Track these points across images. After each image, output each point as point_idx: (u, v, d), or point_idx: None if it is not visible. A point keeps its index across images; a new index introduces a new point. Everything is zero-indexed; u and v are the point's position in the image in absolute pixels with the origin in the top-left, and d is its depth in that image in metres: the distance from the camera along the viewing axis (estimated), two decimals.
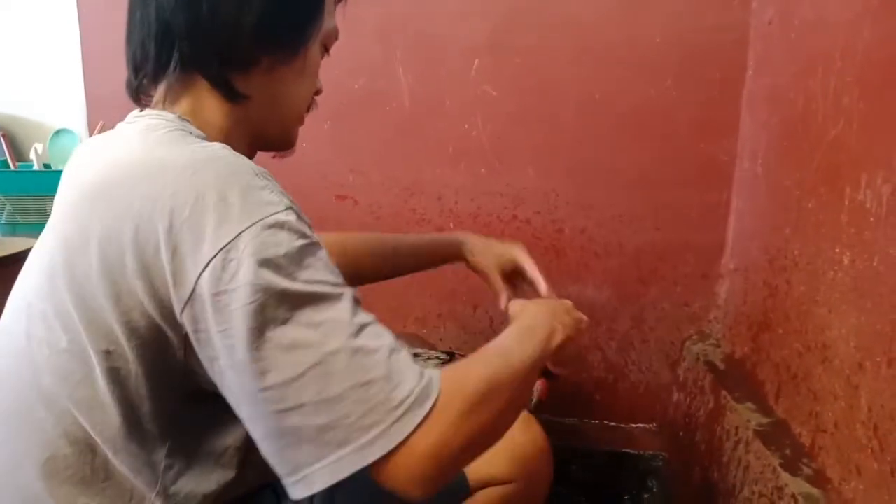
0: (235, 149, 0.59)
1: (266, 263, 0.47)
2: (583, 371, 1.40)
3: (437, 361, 1.08)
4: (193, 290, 0.47)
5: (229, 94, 0.60)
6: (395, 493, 0.48)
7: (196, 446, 0.57)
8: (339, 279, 0.51)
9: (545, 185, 1.34)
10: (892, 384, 0.68)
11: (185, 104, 0.60)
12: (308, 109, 0.69)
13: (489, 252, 1.01)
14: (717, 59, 1.23)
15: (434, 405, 0.48)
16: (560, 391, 1.38)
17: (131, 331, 0.51)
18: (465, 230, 1.37)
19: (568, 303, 0.76)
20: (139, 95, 0.63)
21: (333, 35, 0.68)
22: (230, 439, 0.57)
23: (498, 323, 1.42)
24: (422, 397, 0.48)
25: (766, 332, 1.06)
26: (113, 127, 0.63)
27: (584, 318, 0.75)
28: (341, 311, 0.48)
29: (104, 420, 0.53)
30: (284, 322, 0.47)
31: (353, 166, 1.40)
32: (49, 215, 0.59)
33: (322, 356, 0.46)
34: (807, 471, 0.82)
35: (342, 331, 0.48)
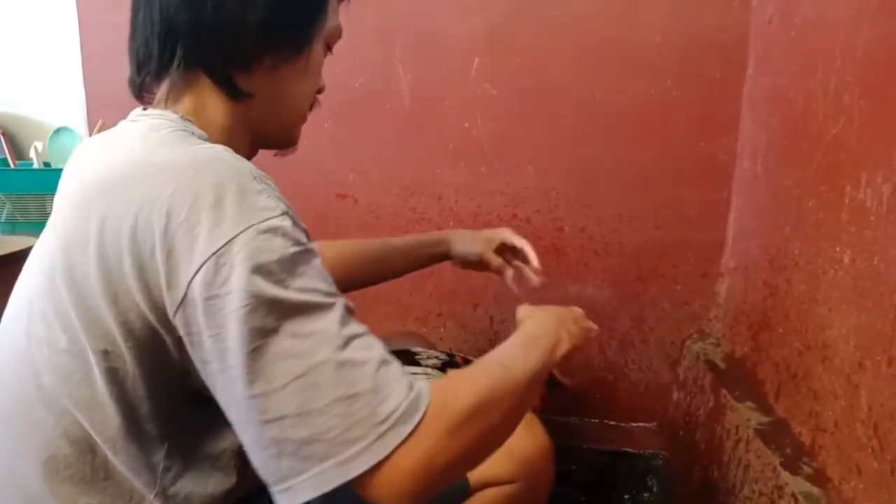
0: (237, 147, 0.59)
1: (258, 269, 0.46)
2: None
3: (435, 361, 1.08)
4: (186, 294, 0.47)
5: (232, 92, 0.60)
6: None
7: (194, 448, 0.56)
8: (332, 288, 0.50)
9: (545, 183, 1.34)
10: (892, 383, 0.68)
11: (187, 102, 0.60)
12: (311, 108, 0.69)
13: (477, 238, 1.03)
14: (717, 58, 1.23)
15: (421, 420, 0.47)
16: (563, 395, 1.38)
17: (128, 332, 0.51)
18: (465, 229, 1.38)
19: (578, 311, 0.74)
20: (142, 93, 0.63)
21: (337, 34, 0.68)
22: (227, 442, 0.57)
23: (498, 322, 1.43)
24: (409, 412, 0.47)
25: (766, 331, 1.06)
26: (113, 125, 0.63)
27: (594, 326, 0.74)
28: (330, 322, 0.48)
29: (104, 420, 0.53)
30: (273, 331, 0.46)
31: (353, 165, 1.40)
32: (49, 214, 0.59)
33: (308, 367, 0.46)
34: (807, 470, 0.82)
35: (329, 342, 0.47)
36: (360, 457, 0.45)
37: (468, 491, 0.79)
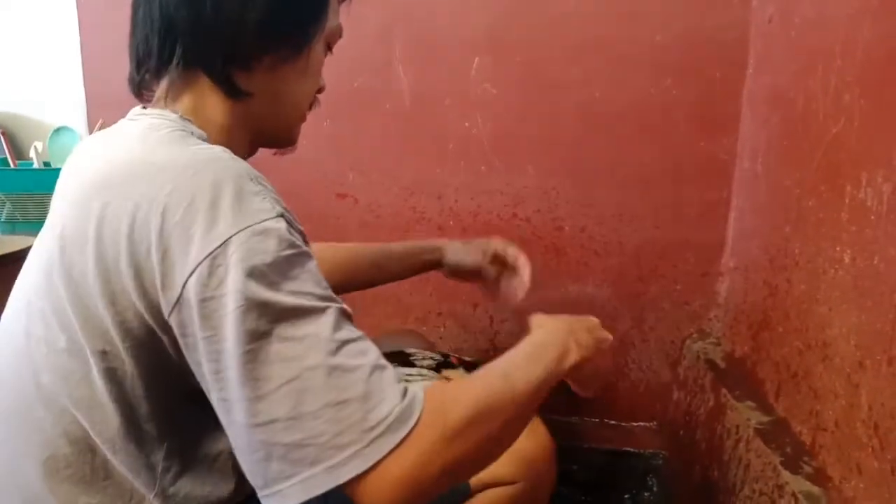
0: (237, 146, 0.59)
1: (252, 271, 0.46)
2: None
3: (430, 361, 1.08)
4: (181, 294, 0.47)
5: (231, 91, 0.60)
6: None
7: (193, 449, 0.56)
8: (327, 292, 0.50)
9: (545, 183, 1.34)
10: (892, 382, 0.68)
11: (186, 100, 0.60)
12: (310, 107, 0.69)
13: (471, 248, 1.02)
14: (717, 58, 1.23)
15: (414, 428, 0.47)
16: (560, 389, 1.38)
17: (126, 331, 0.51)
18: (466, 228, 1.38)
19: (593, 320, 0.72)
20: (141, 91, 0.63)
21: (337, 33, 0.67)
22: (222, 444, 0.57)
23: (498, 321, 1.42)
24: (401, 419, 0.47)
25: (766, 330, 1.06)
26: (113, 125, 0.63)
27: (608, 336, 0.71)
28: (322, 327, 0.47)
29: (103, 420, 0.53)
30: (265, 334, 0.46)
31: (353, 165, 1.39)
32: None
33: (299, 371, 0.46)
34: (807, 469, 0.82)
35: (321, 347, 0.47)
36: (350, 462, 0.45)
37: (469, 492, 0.78)
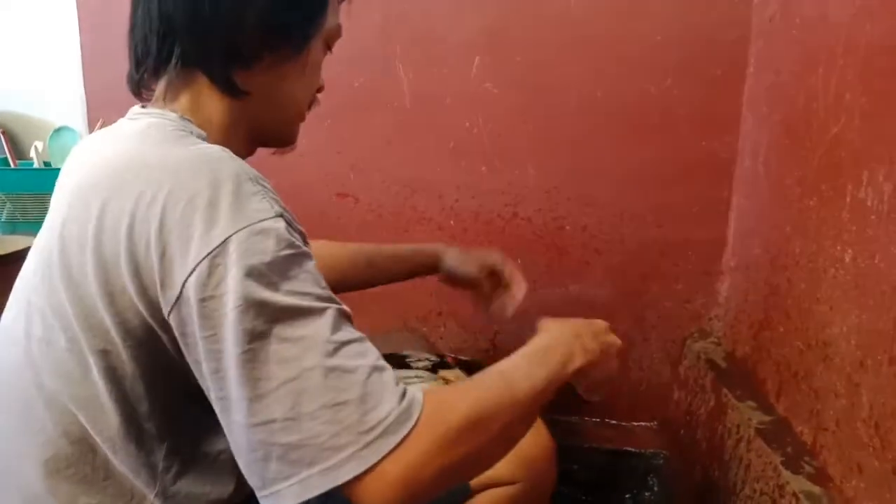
0: (236, 145, 0.59)
1: (250, 271, 0.46)
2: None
3: (426, 363, 1.08)
4: (180, 294, 0.47)
5: (230, 90, 0.60)
6: None
7: (194, 448, 0.56)
8: (327, 293, 0.50)
9: (546, 182, 1.34)
10: (893, 382, 0.68)
11: (185, 100, 0.60)
12: (310, 107, 0.69)
13: (469, 258, 1.02)
14: (718, 57, 1.23)
15: (412, 430, 0.47)
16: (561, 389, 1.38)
17: (126, 331, 0.51)
18: (466, 228, 1.38)
19: (600, 324, 0.71)
20: (140, 89, 0.63)
21: (336, 33, 0.67)
22: (223, 443, 0.57)
23: (498, 322, 1.42)
24: (398, 421, 0.46)
25: (767, 329, 1.05)
26: (113, 124, 0.63)
27: (616, 341, 0.70)
28: (321, 327, 0.47)
29: (103, 420, 0.53)
30: (263, 334, 0.46)
31: (354, 164, 1.39)
32: None
33: (297, 373, 0.46)
34: (808, 469, 0.82)
35: (319, 348, 0.46)
36: (347, 464, 0.45)
37: (469, 492, 0.78)
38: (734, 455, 0.99)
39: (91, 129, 1.46)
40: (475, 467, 0.53)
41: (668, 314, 1.35)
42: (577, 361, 0.62)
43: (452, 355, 1.09)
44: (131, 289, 0.49)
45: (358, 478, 0.45)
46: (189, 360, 0.49)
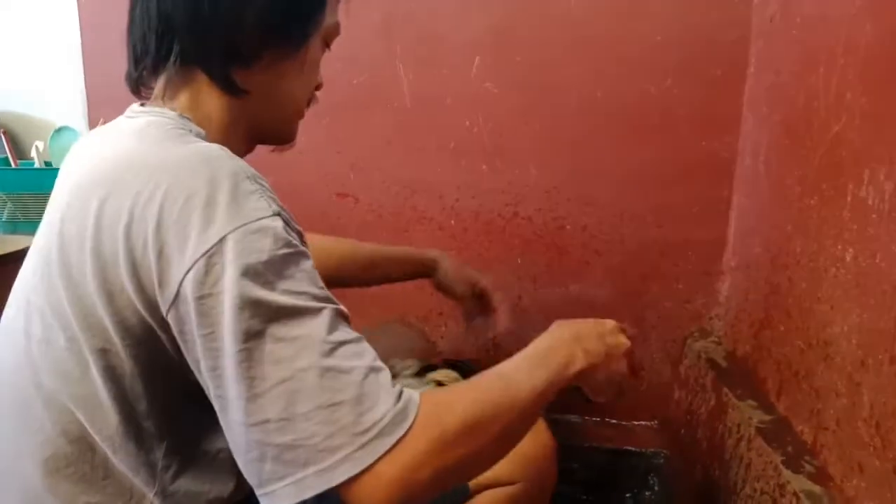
0: (235, 142, 0.59)
1: (247, 270, 0.46)
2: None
3: (412, 370, 1.08)
4: (178, 292, 0.47)
5: (229, 88, 0.60)
6: None
7: (193, 447, 0.56)
8: (324, 293, 0.50)
9: (546, 182, 1.34)
10: (894, 381, 0.68)
11: (184, 98, 0.60)
12: (308, 104, 0.69)
13: (461, 277, 1.06)
14: (718, 57, 1.23)
15: (408, 432, 0.46)
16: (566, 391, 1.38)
17: (125, 330, 0.51)
18: (467, 228, 1.38)
19: (609, 325, 0.69)
20: (139, 87, 0.63)
21: (335, 30, 0.67)
22: (222, 442, 0.57)
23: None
24: (394, 422, 0.46)
25: (767, 329, 1.05)
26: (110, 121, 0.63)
27: (624, 342, 0.69)
28: (317, 327, 0.47)
29: (102, 419, 0.53)
30: (259, 333, 0.46)
31: (354, 164, 1.39)
32: None
33: (291, 373, 0.46)
34: (809, 468, 0.82)
35: (314, 348, 0.46)
36: (342, 465, 0.45)
37: (468, 492, 0.78)
38: (735, 454, 0.99)
39: (92, 128, 1.46)
40: (472, 469, 0.52)
41: (669, 314, 1.35)
42: (579, 364, 0.61)
43: (443, 357, 1.10)
44: (129, 288, 0.49)
45: (353, 479, 0.45)
46: (188, 358, 0.49)
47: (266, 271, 0.47)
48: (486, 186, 1.36)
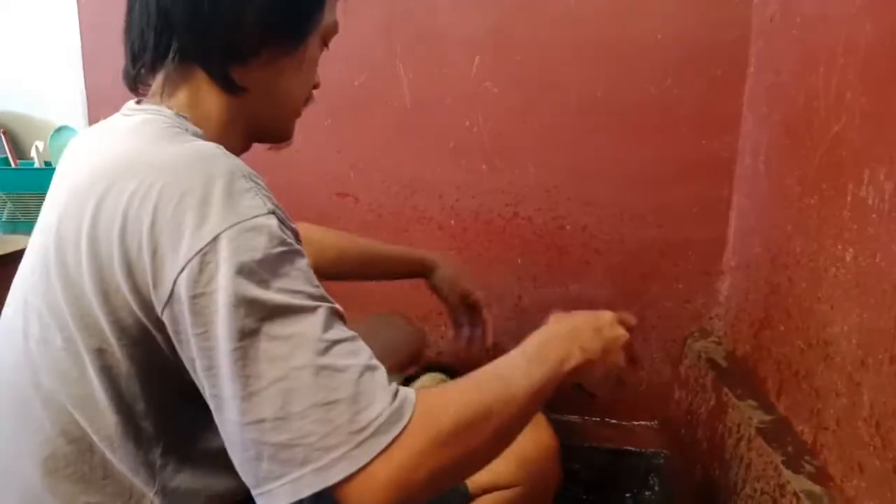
0: (232, 140, 0.58)
1: (241, 268, 0.46)
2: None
3: (397, 379, 1.09)
4: (172, 291, 0.47)
5: (228, 86, 0.60)
6: None
7: (191, 446, 0.56)
8: (319, 291, 0.49)
9: (546, 182, 1.34)
10: (894, 381, 0.68)
11: (182, 95, 0.60)
12: (306, 103, 0.69)
13: (456, 286, 1.07)
14: (718, 56, 1.23)
15: (404, 430, 0.46)
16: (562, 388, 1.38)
17: (121, 330, 0.50)
18: (466, 228, 1.38)
19: (606, 317, 0.68)
20: (136, 84, 0.63)
21: (333, 29, 0.67)
22: (220, 441, 0.57)
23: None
24: (390, 421, 0.46)
25: (767, 329, 1.05)
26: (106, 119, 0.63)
27: (622, 335, 0.67)
28: (312, 326, 0.47)
29: (101, 418, 0.53)
30: (254, 332, 0.45)
31: (354, 164, 1.39)
32: None
33: (286, 371, 0.45)
34: (809, 468, 0.82)
35: (309, 346, 0.46)
36: (338, 464, 0.45)
37: (468, 496, 0.77)
38: (735, 454, 0.99)
39: None
40: (467, 469, 0.52)
41: (669, 314, 1.35)
42: (575, 360, 0.60)
43: (446, 361, 1.12)
44: (125, 288, 0.49)
45: (349, 479, 0.45)
46: (183, 357, 0.49)
47: (261, 269, 0.46)
48: (486, 186, 1.36)
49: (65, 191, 0.55)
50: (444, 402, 0.50)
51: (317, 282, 0.50)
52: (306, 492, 0.45)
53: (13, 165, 1.53)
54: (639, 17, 1.24)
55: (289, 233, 0.50)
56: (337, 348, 0.47)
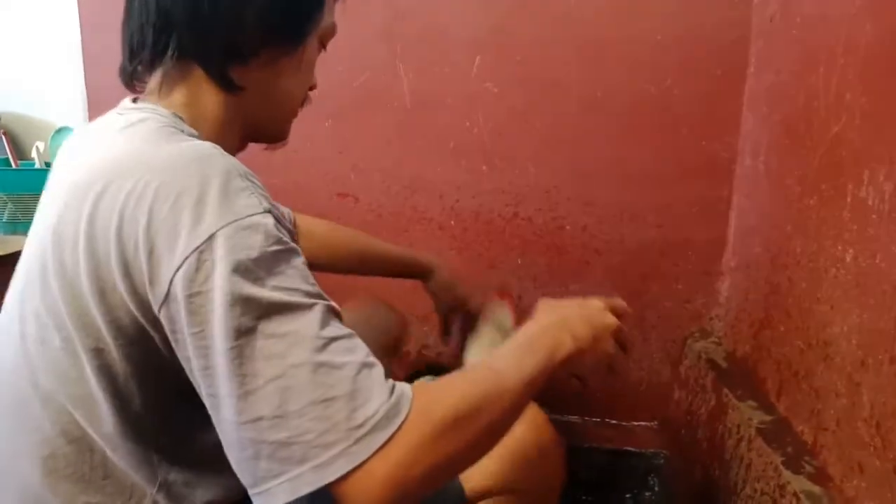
0: (228, 139, 0.58)
1: (237, 266, 0.46)
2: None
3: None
4: (168, 290, 0.47)
5: (226, 85, 0.60)
6: None
7: (189, 445, 0.56)
8: (315, 289, 0.49)
9: (546, 182, 1.34)
10: (894, 381, 0.68)
11: (180, 93, 0.60)
12: (302, 104, 0.69)
13: (451, 292, 1.09)
14: (718, 56, 1.23)
15: (401, 426, 0.46)
16: (561, 389, 1.38)
17: (117, 329, 0.50)
18: (467, 228, 1.38)
19: (595, 305, 0.68)
20: (132, 81, 0.63)
21: (331, 31, 0.67)
22: (217, 439, 0.57)
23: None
24: (387, 418, 0.46)
25: (767, 329, 1.05)
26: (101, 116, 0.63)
27: (611, 321, 0.67)
28: (309, 323, 0.47)
29: (99, 418, 0.53)
30: (250, 330, 0.45)
31: (354, 164, 1.39)
32: None
33: (283, 369, 0.45)
34: (809, 469, 0.82)
35: (306, 344, 0.46)
36: (337, 461, 0.45)
37: (465, 499, 0.76)
38: (735, 455, 0.99)
39: None
40: (463, 463, 0.52)
41: (669, 314, 1.35)
42: (566, 350, 0.60)
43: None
44: (122, 287, 0.49)
45: (347, 477, 0.45)
46: (179, 357, 0.49)
47: (257, 268, 0.46)
48: (486, 186, 1.36)
49: (62, 190, 0.55)
50: (438, 396, 0.49)
51: (313, 280, 0.50)
52: (305, 490, 0.45)
53: (14, 166, 1.53)
54: (639, 17, 1.24)
55: (284, 232, 0.50)
56: (334, 345, 0.47)
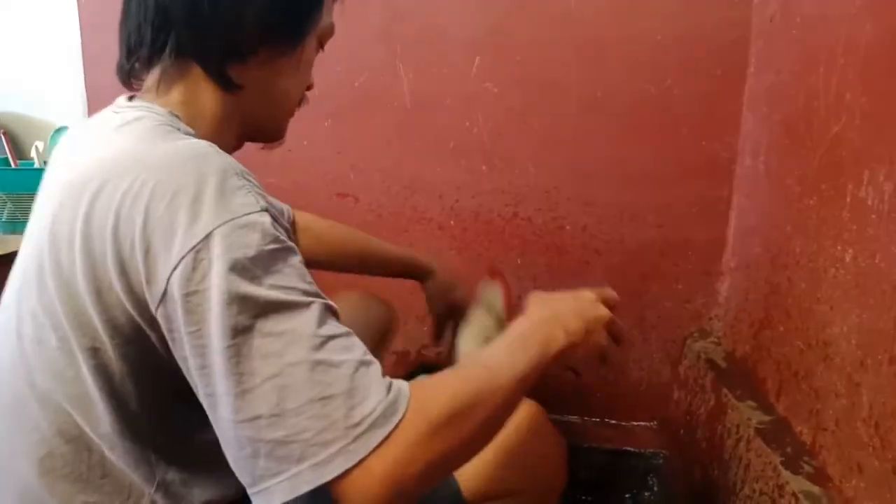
0: (225, 138, 0.58)
1: (234, 265, 0.46)
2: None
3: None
4: (165, 290, 0.47)
5: (224, 83, 0.60)
6: None
7: (187, 445, 0.56)
8: (312, 288, 0.49)
9: (546, 182, 1.34)
10: (893, 381, 0.68)
11: (177, 92, 0.60)
12: (299, 104, 0.69)
13: (447, 296, 1.09)
14: (718, 56, 1.23)
15: (399, 423, 0.46)
16: (560, 388, 1.38)
17: (114, 329, 0.50)
18: (466, 228, 1.38)
19: (587, 297, 0.68)
20: (129, 79, 0.63)
21: (329, 31, 0.68)
22: (215, 439, 0.57)
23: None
24: (385, 415, 0.46)
25: (767, 329, 1.05)
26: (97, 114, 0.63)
27: (603, 314, 0.68)
28: (306, 322, 0.47)
29: (97, 417, 0.53)
30: (247, 329, 0.45)
31: (354, 164, 1.39)
32: None
33: (281, 368, 0.45)
34: (808, 469, 0.82)
35: (304, 342, 0.46)
36: (335, 459, 0.45)
37: (462, 501, 0.76)
38: (734, 455, 0.99)
39: None
40: (458, 460, 0.52)
41: (668, 314, 1.35)
42: (558, 344, 0.60)
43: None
44: (118, 286, 0.49)
45: (345, 475, 0.45)
46: (177, 356, 0.49)
47: (254, 266, 0.46)
48: (486, 186, 1.36)
49: (57, 189, 0.55)
50: (432, 394, 0.50)
51: (310, 278, 0.50)
52: (304, 488, 0.45)
53: (13, 166, 1.53)
54: (639, 17, 1.24)
55: (281, 230, 0.50)
56: (331, 344, 0.47)
